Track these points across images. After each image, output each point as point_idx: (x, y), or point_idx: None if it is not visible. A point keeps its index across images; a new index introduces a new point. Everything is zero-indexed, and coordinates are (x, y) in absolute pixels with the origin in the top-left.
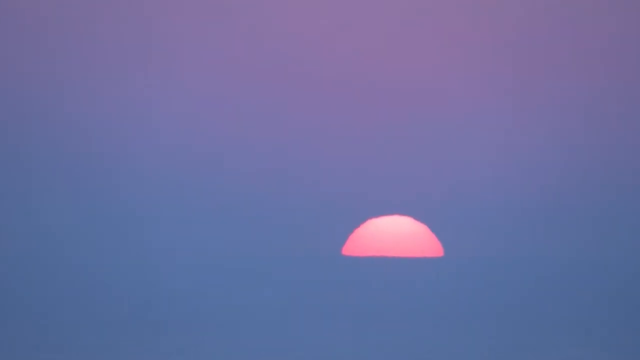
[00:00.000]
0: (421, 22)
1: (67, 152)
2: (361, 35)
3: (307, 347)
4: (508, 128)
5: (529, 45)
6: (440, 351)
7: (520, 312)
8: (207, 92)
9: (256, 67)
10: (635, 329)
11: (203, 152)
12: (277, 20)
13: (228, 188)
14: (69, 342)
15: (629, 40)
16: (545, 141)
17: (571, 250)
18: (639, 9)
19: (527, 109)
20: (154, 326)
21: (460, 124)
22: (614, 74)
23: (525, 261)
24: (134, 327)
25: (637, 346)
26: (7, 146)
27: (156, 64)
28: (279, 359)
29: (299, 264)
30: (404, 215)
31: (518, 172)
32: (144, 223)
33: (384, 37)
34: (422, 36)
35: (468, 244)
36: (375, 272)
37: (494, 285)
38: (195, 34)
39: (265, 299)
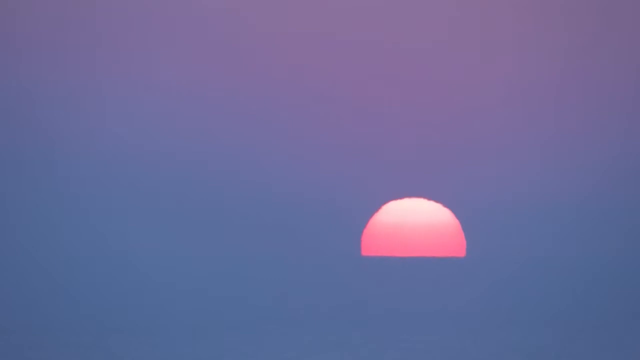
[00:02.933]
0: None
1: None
2: (389, 17)
3: (329, 354)
4: (553, 125)
5: (574, 41)
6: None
7: (557, 320)
8: (211, 92)
9: (257, 62)
10: None
11: (209, 153)
12: (279, 15)
13: (232, 191)
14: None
15: None
16: (590, 142)
17: (608, 252)
18: None
19: (578, 108)
20: (166, 327)
21: (500, 118)
22: None
23: (561, 264)
24: (151, 325)
25: None
26: None
27: (148, 62)
28: None
29: (316, 267)
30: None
31: (558, 171)
32: (155, 226)
33: (416, 17)
34: (458, 20)
35: (494, 243)
36: (397, 274)
37: (523, 289)
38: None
39: (281, 305)
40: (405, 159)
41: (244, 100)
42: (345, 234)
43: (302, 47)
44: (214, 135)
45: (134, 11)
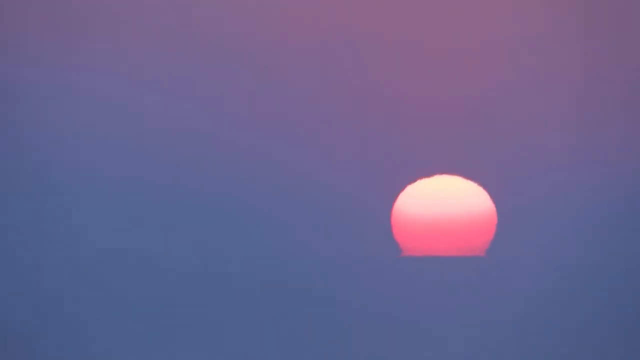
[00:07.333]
0: None
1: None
2: None
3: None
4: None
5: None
6: None
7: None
8: (218, 89)
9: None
10: None
11: (229, 152)
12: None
13: (247, 191)
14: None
15: None
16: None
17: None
18: None
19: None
20: (177, 330)
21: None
22: None
23: (603, 269)
24: (161, 326)
25: None
26: None
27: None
28: None
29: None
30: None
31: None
32: (177, 229)
33: None
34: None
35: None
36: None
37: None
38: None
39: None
40: (443, 131)
41: (249, 97)
42: (373, 226)
43: (321, 29)
44: (227, 133)
45: (131, 5)
